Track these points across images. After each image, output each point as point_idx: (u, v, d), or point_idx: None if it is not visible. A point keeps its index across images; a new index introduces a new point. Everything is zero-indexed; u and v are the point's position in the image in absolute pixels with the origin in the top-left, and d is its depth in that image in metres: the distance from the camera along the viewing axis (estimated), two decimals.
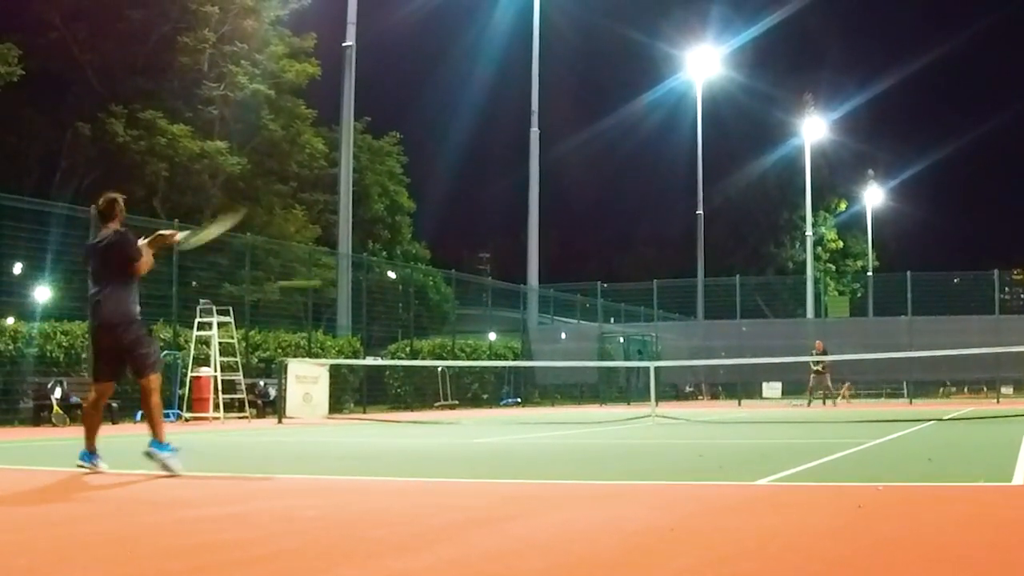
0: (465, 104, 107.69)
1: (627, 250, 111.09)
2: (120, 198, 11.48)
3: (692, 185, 70.00)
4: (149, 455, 10.97)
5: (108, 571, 5.71)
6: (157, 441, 11.03)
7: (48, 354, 26.63)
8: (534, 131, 52.72)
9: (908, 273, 49.71)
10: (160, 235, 11.70)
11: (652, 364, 33.20)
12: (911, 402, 44.57)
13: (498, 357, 47.77)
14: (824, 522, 7.33)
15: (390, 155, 64.14)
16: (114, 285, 11.11)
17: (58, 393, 25.28)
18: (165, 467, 10.84)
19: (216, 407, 28.49)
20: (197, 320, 29.22)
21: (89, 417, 11.76)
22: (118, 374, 11.65)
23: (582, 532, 6.88)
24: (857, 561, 5.77)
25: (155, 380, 11.38)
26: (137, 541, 6.65)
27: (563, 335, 57.89)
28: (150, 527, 7.34)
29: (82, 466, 11.37)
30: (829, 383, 42.40)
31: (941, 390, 53.95)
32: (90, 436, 11.54)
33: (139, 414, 27.52)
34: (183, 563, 5.85)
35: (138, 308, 11.32)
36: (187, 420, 27.77)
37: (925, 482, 10.25)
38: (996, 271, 49.22)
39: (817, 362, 41.15)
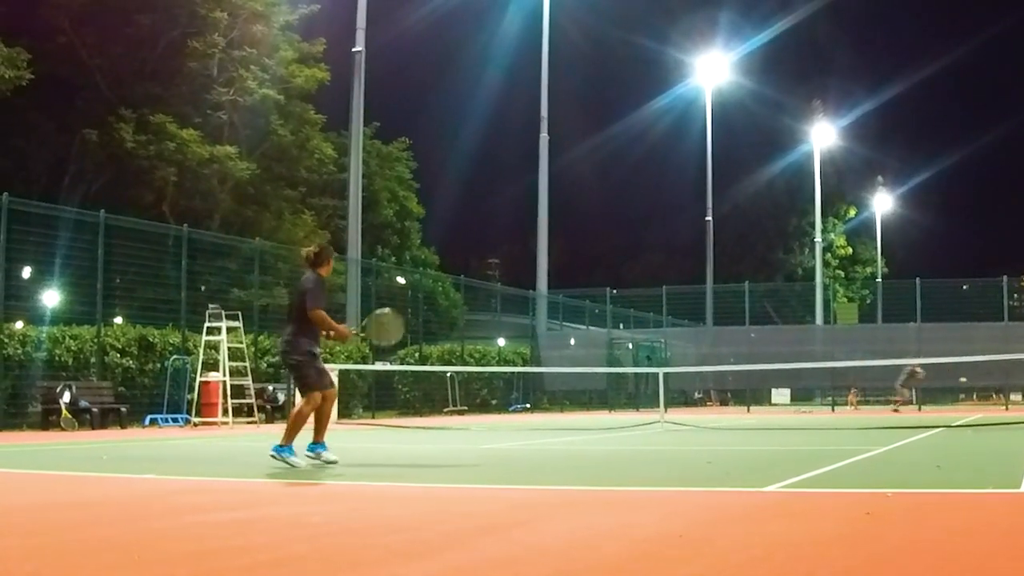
0: (474, 110, 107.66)
1: (636, 256, 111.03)
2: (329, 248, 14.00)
3: (701, 191, 69.88)
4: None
5: None
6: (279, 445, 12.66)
7: (57, 358, 26.61)
8: (543, 137, 52.70)
9: (917, 280, 49.67)
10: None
11: (661, 370, 33.18)
12: (920, 409, 44.49)
13: (507, 363, 47.77)
14: (833, 529, 7.31)
15: (399, 160, 64.18)
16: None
17: (67, 397, 25.24)
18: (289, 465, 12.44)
19: (225, 412, 28.46)
20: (206, 325, 29.18)
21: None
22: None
23: (590, 539, 6.87)
24: (866, 569, 5.75)
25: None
26: (143, 546, 6.64)
27: (572, 341, 57.87)
28: (157, 532, 7.33)
29: (309, 456, 12.86)
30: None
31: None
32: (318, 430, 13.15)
33: (147, 419, 27.62)
34: (189, 569, 5.84)
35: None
36: (196, 425, 27.76)
37: (933, 489, 10.24)
38: (1005, 278, 49.13)
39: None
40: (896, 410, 39.58)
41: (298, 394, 13.25)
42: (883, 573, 5.67)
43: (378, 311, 14.13)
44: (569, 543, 6.68)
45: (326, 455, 12.92)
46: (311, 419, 12.97)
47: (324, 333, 13.68)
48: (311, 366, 13.26)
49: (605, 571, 5.77)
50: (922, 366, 40.17)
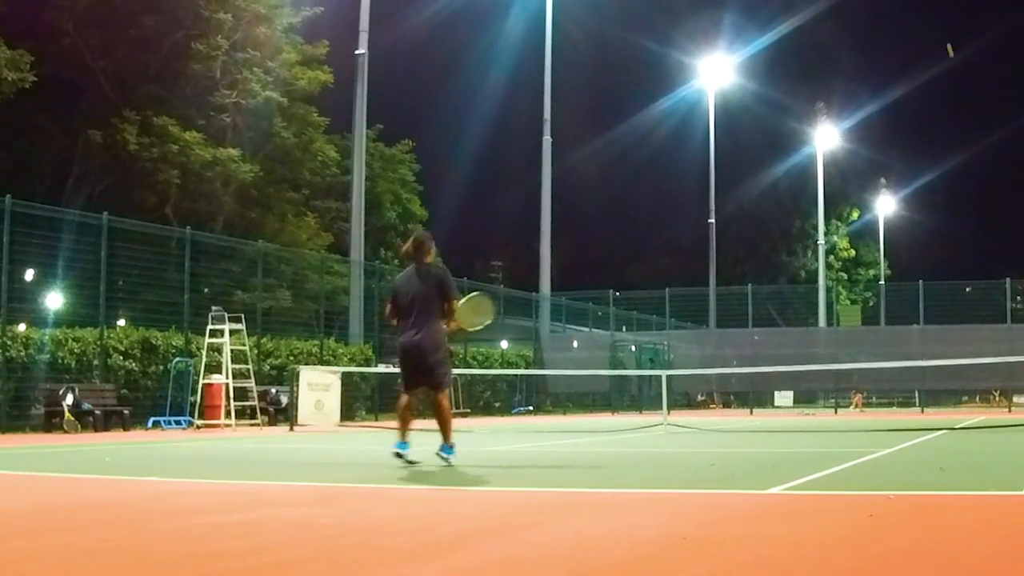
0: (478, 112, 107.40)
1: (639, 258, 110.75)
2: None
3: (704, 193, 69.93)
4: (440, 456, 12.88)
5: None
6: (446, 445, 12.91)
7: (60, 361, 26.67)
8: (546, 139, 52.73)
9: (920, 282, 49.79)
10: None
11: (664, 372, 33.21)
12: (923, 411, 44.50)
13: (510, 365, 47.80)
14: (835, 531, 7.32)
15: (402, 163, 64.10)
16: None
17: (69, 400, 25.29)
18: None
19: (228, 414, 28.49)
20: (209, 327, 29.23)
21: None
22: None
23: (594, 540, 6.87)
24: (868, 571, 5.76)
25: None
26: (147, 548, 6.65)
27: (575, 343, 57.91)
28: (160, 534, 7.34)
29: (399, 455, 12.97)
30: None
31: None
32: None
33: (150, 421, 27.63)
34: (193, 571, 5.85)
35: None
36: (199, 427, 27.78)
37: (936, 491, 10.25)
38: (1008, 280, 49.20)
39: None
40: None
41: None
42: (885, 575, 5.68)
43: (468, 297, 13.92)
44: (574, 545, 6.69)
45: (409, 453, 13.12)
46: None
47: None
48: (450, 364, 13.57)
49: (610, 573, 5.78)
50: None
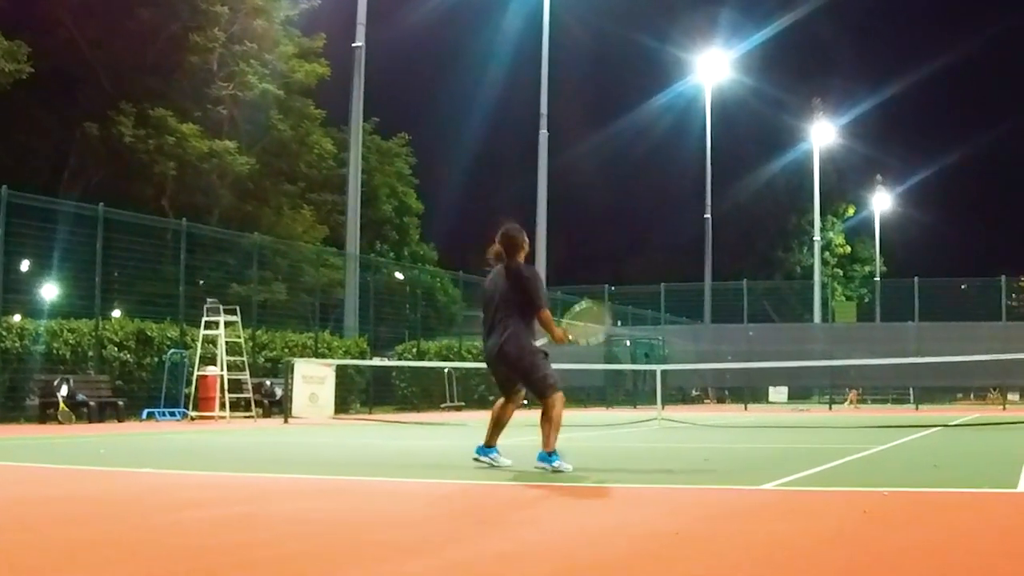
0: (474, 106, 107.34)
1: (635, 253, 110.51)
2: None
3: (701, 189, 69.83)
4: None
5: (113, 571, 5.71)
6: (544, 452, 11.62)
7: (55, 352, 26.62)
8: (543, 134, 52.57)
9: (916, 279, 49.87)
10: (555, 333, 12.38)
11: (659, 367, 33.21)
12: (918, 408, 44.50)
13: None
14: (830, 527, 7.33)
15: (399, 156, 64.11)
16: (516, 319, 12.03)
17: (64, 391, 25.25)
18: (556, 471, 11.34)
19: (222, 406, 28.48)
20: (204, 319, 29.20)
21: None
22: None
23: (589, 536, 6.88)
24: (862, 567, 5.76)
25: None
26: (143, 541, 6.65)
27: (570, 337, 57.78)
28: (156, 527, 7.34)
29: (478, 460, 12.15)
30: None
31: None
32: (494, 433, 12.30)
33: (145, 413, 27.59)
34: (188, 564, 5.84)
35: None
36: (193, 419, 27.76)
37: (931, 488, 10.25)
38: (1003, 277, 49.22)
39: None
40: None
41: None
42: (880, 572, 5.68)
43: (578, 308, 13.30)
44: (568, 539, 6.70)
45: (500, 459, 12.24)
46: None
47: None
48: (548, 364, 12.13)
49: (604, 568, 5.78)
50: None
